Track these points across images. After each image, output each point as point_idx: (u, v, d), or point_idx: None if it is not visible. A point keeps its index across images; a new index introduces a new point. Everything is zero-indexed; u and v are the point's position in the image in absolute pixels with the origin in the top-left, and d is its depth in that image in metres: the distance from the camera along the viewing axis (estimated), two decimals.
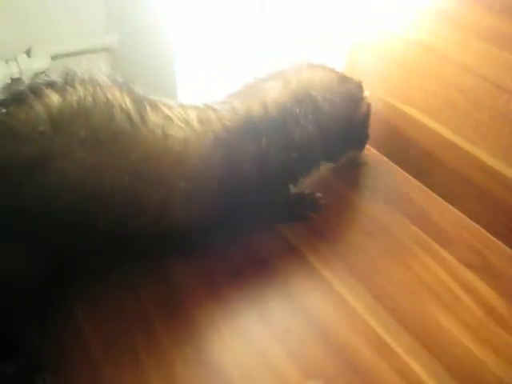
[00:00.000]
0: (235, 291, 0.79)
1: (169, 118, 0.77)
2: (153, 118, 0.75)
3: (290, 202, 0.90)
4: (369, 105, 0.97)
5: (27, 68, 1.47)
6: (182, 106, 0.82)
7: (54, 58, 1.53)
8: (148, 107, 0.76)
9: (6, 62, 1.43)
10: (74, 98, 0.72)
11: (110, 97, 0.74)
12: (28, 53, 1.48)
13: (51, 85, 0.74)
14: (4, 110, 0.71)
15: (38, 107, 0.71)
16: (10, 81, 1.46)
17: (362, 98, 0.96)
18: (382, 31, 1.07)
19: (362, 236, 0.92)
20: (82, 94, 0.73)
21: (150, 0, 1.30)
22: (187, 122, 0.78)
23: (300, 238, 0.89)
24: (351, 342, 0.74)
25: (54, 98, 0.72)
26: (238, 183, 0.77)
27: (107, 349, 0.72)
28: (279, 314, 0.77)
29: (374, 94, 1.07)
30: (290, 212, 0.89)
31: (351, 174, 1.04)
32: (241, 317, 0.76)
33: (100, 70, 0.79)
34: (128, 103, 0.75)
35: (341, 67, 1.09)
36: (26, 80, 1.48)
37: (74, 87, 0.74)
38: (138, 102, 0.76)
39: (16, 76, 1.46)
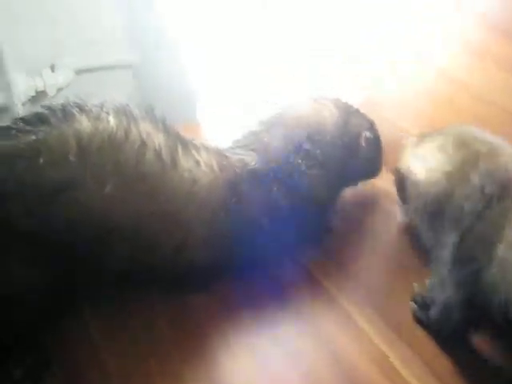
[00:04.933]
0: (249, 312, 0.80)
1: (197, 163, 0.76)
2: (183, 160, 0.75)
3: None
4: (374, 139, 0.94)
5: (51, 82, 1.50)
6: (205, 148, 0.81)
7: (78, 72, 1.56)
8: (180, 148, 0.75)
9: (31, 76, 1.47)
10: (107, 128, 0.70)
11: (143, 135, 0.72)
12: (52, 67, 1.52)
13: (85, 110, 0.72)
14: (33, 136, 0.68)
15: (69, 133, 0.68)
16: (34, 94, 1.49)
17: (366, 136, 0.93)
18: (404, 59, 1.08)
19: (376, 261, 0.93)
20: (114, 126, 0.71)
21: (168, 18, 1.33)
22: (211, 168, 0.78)
23: (314, 263, 0.90)
24: (362, 366, 0.75)
25: (86, 126, 0.70)
26: (250, 231, 0.78)
27: (120, 362, 0.74)
28: (291, 335, 0.78)
29: (389, 120, 1.09)
30: (301, 235, 0.89)
31: (367, 196, 1.04)
32: (253, 337, 0.77)
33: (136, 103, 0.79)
34: (161, 142, 0.73)
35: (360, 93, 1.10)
36: (51, 94, 1.52)
37: (107, 117, 0.72)
38: (171, 141, 0.75)
39: (40, 90, 1.50)
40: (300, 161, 0.83)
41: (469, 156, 0.74)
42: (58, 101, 1.57)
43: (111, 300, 0.76)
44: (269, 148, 0.84)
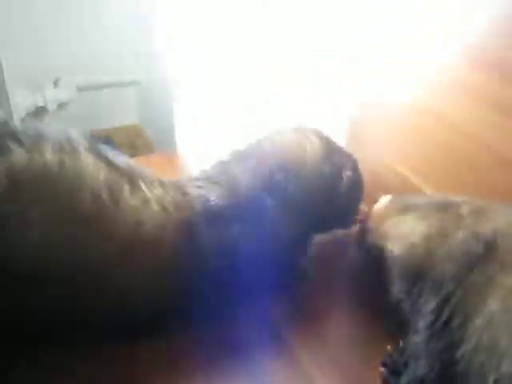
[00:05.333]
0: (199, 370, 0.72)
1: (146, 202, 0.67)
2: (128, 200, 0.65)
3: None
4: (356, 181, 0.85)
5: (52, 98, 1.50)
6: (161, 183, 0.71)
7: (81, 89, 1.56)
8: (126, 185, 0.66)
9: (31, 91, 1.47)
10: (42, 160, 0.61)
11: (81, 169, 0.63)
12: (56, 83, 1.52)
13: (19, 139, 0.62)
14: None
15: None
16: (34, 109, 1.49)
17: (345, 177, 0.83)
18: (388, 97, 1.02)
19: (350, 320, 0.85)
20: (50, 158, 0.62)
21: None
22: (164, 207, 0.69)
23: (280, 317, 0.81)
24: None
25: (20, 157, 0.60)
26: (206, 278, 0.70)
27: None
28: None
29: (379, 160, 1.02)
30: (266, 283, 0.79)
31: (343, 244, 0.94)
32: None
33: (76, 132, 0.68)
34: (102, 179, 0.64)
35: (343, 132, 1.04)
36: (51, 110, 1.51)
37: (44, 147, 0.62)
38: (116, 177, 0.65)
39: (40, 105, 1.49)
40: (266, 194, 0.74)
41: (451, 216, 0.67)
42: (58, 117, 1.60)
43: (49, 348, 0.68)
44: (235, 181, 0.75)
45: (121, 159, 0.70)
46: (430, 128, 0.92)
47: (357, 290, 0.87)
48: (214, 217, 0.72)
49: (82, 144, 0.66)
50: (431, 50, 0.90)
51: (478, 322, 0.54)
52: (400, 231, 0.73)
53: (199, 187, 0.75)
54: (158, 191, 0.71)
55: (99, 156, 0.66)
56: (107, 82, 1.58)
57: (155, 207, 0.69)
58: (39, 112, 1.51)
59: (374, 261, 0.76)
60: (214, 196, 0.73)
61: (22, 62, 1.42)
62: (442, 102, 0.89)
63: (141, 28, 1.46)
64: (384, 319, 0.76)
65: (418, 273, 0.68)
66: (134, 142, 1.65)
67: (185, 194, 0.73)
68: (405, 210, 0.74)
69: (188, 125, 1.19)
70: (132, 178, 0.68)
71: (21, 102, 1.43)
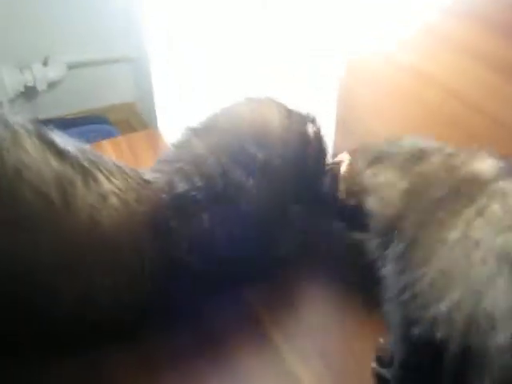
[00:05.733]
0: (175, 372, 0.66)
1: (103, 197, 0.58)
2: (81, 196, 0.57)
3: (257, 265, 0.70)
4: (319, 132, 0.73)
5: (42, 76, 1.45)
6: (121, 172, 0.62)
7: (72, 66, 1.50)
8: (79, 179, 0.57)
9: (21, 70, 1.42)
10: None
11: (24, 163, 0.54)
12: (45, 61, 1.46)
13: None
14: None
15: None
16: (23, 89, 1.44)
17: (310, 138, 0.71)
18: (380, 57, 0.93)
19: (336, 306, 0.77)
20: None
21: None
22: (125, 201, 0.60)
23: (260, 306, 0.73)
24: None
25: None
26: (178, 274, 0.61)
27: None
28: None
29: (371, 131, 0.94)
30: (245, 271, 0.70)
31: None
32: None
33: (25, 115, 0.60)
34: (49, 173, 0.55)
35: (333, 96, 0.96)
36: (41, 89, 1.46)
37: None
38: (67, 170, 0.57)
39: (30, 85, 1.44)
40: (238, 171, 0.64)
41: (426, 167, 0.62)
42: (50, 97, 1.55)
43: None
44: (199, 161, 0.66)
45: (75, 148, 0.60)
46: (420, 91, 0.84)
47: (342, 274, 0.80)
48: (183, 205, 0.63)
49: (25, 133, 0.56)
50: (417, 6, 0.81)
51: (443, 250, 0.51)
52: (376, 184, 0.66)
53: (162, 173, 0.65)
54: (118, 182, 0.61)
55: (47, 146, 0.57)
56: (99, 59, 1.51)
57: (114, 202, 0.59)
58: (29, 92, 1.46)
59: (350, 218, 0.70)
60: (180, 180, 0.64)
61: (9, 41, 1.37)
62: (435, 63, 0.80)
63: (132, 4, 1.39)
64: (374, 305, 0.68)
65: (393, 227, 0.62)
66: (129, 120, 1.60)
67: (148, 182, 0.63)
68: (378, 160, 0.68)
69: (169, 102, 1.12)
70: (87, 170, 0.58)
71: (8, 82, 1.38)
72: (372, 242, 0.65)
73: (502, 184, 0.52)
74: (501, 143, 0.74)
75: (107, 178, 0.60)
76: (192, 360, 0.65)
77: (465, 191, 0.53)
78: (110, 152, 0.99)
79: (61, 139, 0.58)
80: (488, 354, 0.43)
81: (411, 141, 0.67)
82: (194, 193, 0.62)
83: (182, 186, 0.63)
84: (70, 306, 0.57)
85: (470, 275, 0.45)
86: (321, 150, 0.74)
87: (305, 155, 0.72)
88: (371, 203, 0.64)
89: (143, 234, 0.60)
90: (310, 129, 0.71)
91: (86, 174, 0.58)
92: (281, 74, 1.00)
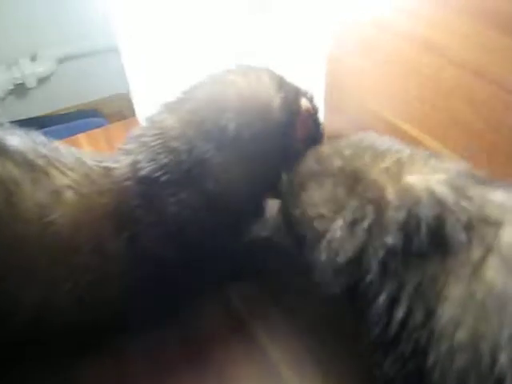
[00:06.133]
0: (155, 380, 0.62)
1: (56, 193, 0.53)
2: (30, 195, 0.52)
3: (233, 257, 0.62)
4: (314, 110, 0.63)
5: (31, 73, 1.41)
6: (80, 163, 0.56)
7: (62, 61, 1.47)
8: (27, 177, 0.52)
9: (8, 67, 1.39)
10: None
11: None
12: (33, 57, 1.43)
13: None
14: None
15: None
16: (13, 87, 1.41)
17: (301, 117, 0.62)
18: (371, 24, 0.87)
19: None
20: None
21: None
22: (84, 196, 0.54)
23: (244, 305, 0.67)
24: None
25: None
26: (151, 272, 0.54)
27: None
28: None
29: (363, 106, 0.89)
30: (234, 268, 0.62)
31: None
32: None
33: None
34: None
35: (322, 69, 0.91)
36: (30, 86, 1.43)
37: None
38: (12, 168, 0.52)
39: (19, 82, 1.41)
40: (206, 145, 0.56)
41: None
42: (41, 93, 1.51)
43: None
44: (166, 135, 0.58)
45: (26, 145, 0.55)
46: (418, 60, 0.78)
47: None
48: (148, 190, 0.56)
49: None
50: None
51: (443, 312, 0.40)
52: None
53: (127, 154, 0.58)
54: (76, 175, 0.55)
55: None
56: (88, 51, 1.48)
57: (70, 197, 0.53)
58: (19, 90, 1.43)
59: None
60: (145, 160, 0.56)
61: None
62: (431, 27, 0.74)
63: None
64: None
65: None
66: (123, 111, 1.56)
67: (109, 169, 0.57)
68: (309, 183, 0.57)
69: (145, 91, 1.08)
70: (37, 167, 0.54)
71: None
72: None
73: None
74: (503, 109, 0.69)
75: (62, 173, 0.54)
76: (174, 365, 0.60)
77: None
78: (85, 145, 0.95)
79: (13, 137, 0.54)
80: None
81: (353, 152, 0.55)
82: (158, 173, 0.55)
83: (145, 168, 0.56)
84: (29, 313, 0.52)
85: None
86: (313, 131, 0.65)
87: (292, 135, 0.63)
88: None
89: (105, 230, 0.54)
90: (304, 105, 0.62)
91: (36, 171, 0.53)
92: (262, 49, 0.95)
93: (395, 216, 0.42)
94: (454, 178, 0.44)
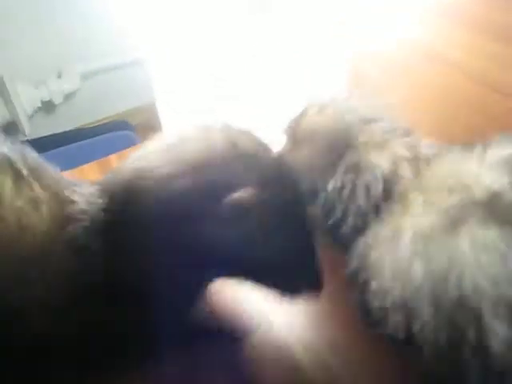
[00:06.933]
0: None
1: (34, 201, 0.51)
2: (10, 198, 0.50)
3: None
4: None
5: (57, 90, 1.43)
6: (56, 181, 0.54)
7: (86, 76, 1.47)
8: (9, 181, 0.51)
9: (36, 86, 1.40)
10: None
11: None
12: (59, 74, 1.44)
13: None
14: None
15: None
16: (40, 104, 1.42)
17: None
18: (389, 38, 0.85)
19: None
20: None
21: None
22: (53, 215, 0.51)
23: None
24: None
25: None
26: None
27: None
28: None
29: None
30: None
31: None
32: None
33: None
34: None
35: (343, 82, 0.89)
36: (57, 102, 1.44)
37: None
38: None
39: (46, 99, 1.42)
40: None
41: None
42: (69, 109, 1.52)
43: None
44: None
45: (16, 155, 0.54)
46: (433, 71, 0.76)
47: None
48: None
49: None
50: None
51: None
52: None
53: (88, 191, 0.53)
54: (50, 192, 0.52)
55: None
56: (112, 64, 1.48)
57: (44, 212, 0.50)
58: (46, 107, 1.44)
59: None
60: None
61: (20, 58, 1.35)
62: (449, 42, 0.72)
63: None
64: None
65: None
66: (150, 122, 1.56)
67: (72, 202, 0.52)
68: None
69: (171, 104, 1.07)
70: (21, 174, 0.52)
71: (25, 100, 1.36)
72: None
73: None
74: None
75: (42, 187, 0.52)
76: None
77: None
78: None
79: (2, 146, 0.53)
80: (424, 328, 0.41)
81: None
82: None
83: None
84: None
85: (396, 261, 0.45)
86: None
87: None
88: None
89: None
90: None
91: (20, 178, 0.51)
92: (287, 60, 0.94)
93: (363, 178, 0.50)
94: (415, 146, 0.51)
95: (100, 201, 0.50)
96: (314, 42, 0.92)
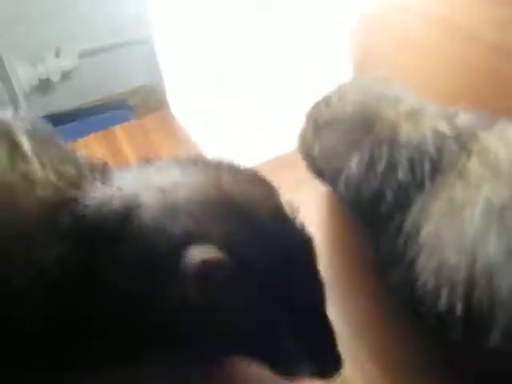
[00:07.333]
0: None
1: (28, 179, 0.47)
2: (2, 171, 0.47)
3: None
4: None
5: (54, 68, 1.42)
6: (70, 159, 0.50)
7: (84, 55, 1.46)
8: (4, 153, 0.47)
9: (33, 64, 1.39)
10: None
11: None
12: (57, 52, 1.43)
13: None
14: None
15: None
16: (38, 82, 1.42)
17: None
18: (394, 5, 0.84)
19: None
20: None
21: None
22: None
23: None
24: None
25: None
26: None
27: None
28: None
29: None
30: None
31: None
32: None
33: None
34: None
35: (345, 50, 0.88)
36: (55, 80, 1.44)
37: None
38: None
39: (44, 77, 1.42)
40: None
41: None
42: (66, 87, 1.51)
43: None
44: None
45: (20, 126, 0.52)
46: (440, 39, 0.75)
47: None
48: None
49: None
50: None
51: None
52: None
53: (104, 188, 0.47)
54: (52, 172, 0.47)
55: None
56: (111, 44, 1.47)
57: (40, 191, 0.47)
58: (44, 85, 1.44)
59: None
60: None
61: (18, 36, 1.34)
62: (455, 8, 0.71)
63: None
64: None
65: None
66: (147, 102, 1.55)
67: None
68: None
69: (179, 84, 1.07)
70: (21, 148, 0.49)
71: (23, 77, 1.36)
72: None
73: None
74: None
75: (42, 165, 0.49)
76: None
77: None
78: (122, 138, 0.95)
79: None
80: (495, 304, 0.40)
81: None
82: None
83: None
84: None
85: (462, 236, 0.42)
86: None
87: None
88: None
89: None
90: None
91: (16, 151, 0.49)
92: (287, 60, 0.94)
93: (404, 153, 0.48)
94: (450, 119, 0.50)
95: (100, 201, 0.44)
96: (314, 42, 0.92)
